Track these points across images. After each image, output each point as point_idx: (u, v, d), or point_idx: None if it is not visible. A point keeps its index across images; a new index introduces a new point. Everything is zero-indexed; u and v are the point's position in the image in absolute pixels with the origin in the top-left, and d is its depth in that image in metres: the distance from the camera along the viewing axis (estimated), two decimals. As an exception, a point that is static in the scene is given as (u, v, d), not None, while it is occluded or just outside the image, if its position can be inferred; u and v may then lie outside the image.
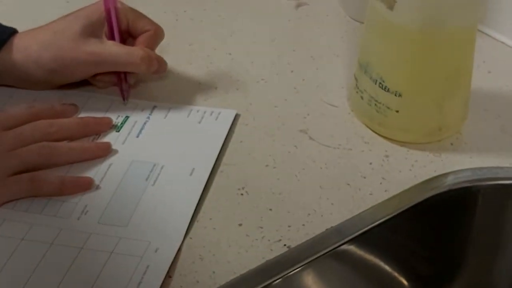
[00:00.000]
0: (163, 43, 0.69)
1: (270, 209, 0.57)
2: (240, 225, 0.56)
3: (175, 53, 0.73)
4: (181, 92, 0.69)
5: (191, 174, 0.59)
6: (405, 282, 0.62)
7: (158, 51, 0.68)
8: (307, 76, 0.71)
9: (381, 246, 0.58)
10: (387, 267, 0.60)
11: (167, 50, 0.73)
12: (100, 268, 0.51)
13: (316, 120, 0.66)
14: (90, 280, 0.50)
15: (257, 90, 0.69)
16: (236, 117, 0.66)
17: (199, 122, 0.65)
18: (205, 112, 0.66)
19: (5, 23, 0.65)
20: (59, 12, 0.69)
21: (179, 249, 0.53)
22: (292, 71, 0.72)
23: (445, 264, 0.62)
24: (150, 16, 0.69)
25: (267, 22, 0.79)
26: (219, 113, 0.65)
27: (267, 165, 0.61)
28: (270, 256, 0.53)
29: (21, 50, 0.62)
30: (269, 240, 0.54)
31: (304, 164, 0.61)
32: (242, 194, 0.58)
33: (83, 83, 0.67)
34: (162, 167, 0.60)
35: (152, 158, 0.61)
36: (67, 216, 0.55)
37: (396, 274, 0.61)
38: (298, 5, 0.82)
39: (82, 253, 0.52)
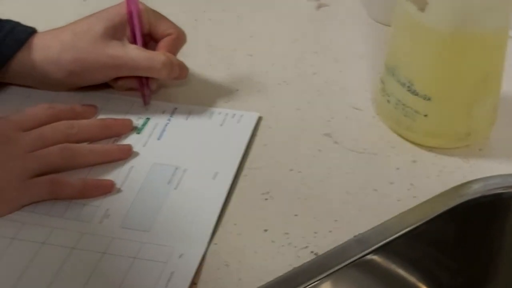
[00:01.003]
0: (182, 43, 0.68)
1: (296, 215, 0.56)
2: (266, 230, 0.54)
3: (195, 54, 0.72)
4: (201, 94, 0.67)
5: (214, 178, 0.58)
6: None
7: (181, 50, 0.67)
8: (330, 78, 0.70)
9: (406, 255, 0.57)
10: (412, 278, 0.58)
11: (186, 51, 0.71)
12: (123, 274, 0.50)
13: (340, 123, 0.65)
14: (113, 286, 0.49)
15: (278, 92, 0.68)
16: (259, 119, 0.64)
17: (221, 125, 0.63)
18: (227, 115, 0.64)
19: (18, 20, 0.64)
20: (75, 11, 0.68)
21: (204, 255, 0.52)
22: (314, 73, 0.71)
23: (473, 276, 0.60)
24: (169, 16, 0.68)
25: (287, 23, 0.78)
26: (241, 116, 0.64)
27: (291, 170, 0.59)
28: (297, 263, 0.52)
29: (40, 50, 0.61)
30: (295, 247, 0.53)
31: (329, 169, 0.60)
32: (266, 199, 0.57)
33: (102, 85, 0.66)
34: (184, 171, 0.58)
35: (174, 161, 0.59)
36: (88, 220, 0.54)
37: (421, 285, 0.60)
38: (319, 6, 0.80)
39: (104, 258, 0.51)
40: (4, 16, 0.64)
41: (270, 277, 0.51)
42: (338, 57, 0.73)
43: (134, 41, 0.64)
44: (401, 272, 0.57)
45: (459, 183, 0.59)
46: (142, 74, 0.63)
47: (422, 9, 0.56)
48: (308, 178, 0.59)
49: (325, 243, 0.53)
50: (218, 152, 0.60)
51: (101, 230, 0.53)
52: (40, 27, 0.64)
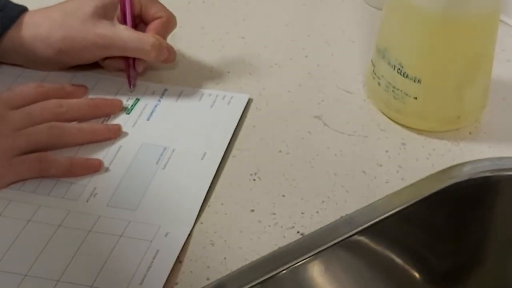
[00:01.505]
0: (175, 25, 0.67)
1: (283, 196, 0.55)
2: (252, 211, 0.54)
3: (187, 37, 0.72)
4: (192, 76, 0.67)
5: (202, 158, 0.58)
6: (418, 276, 0.60)
7: (170, 34, 0.66)
8: (322, 61, 0.70)
9: (395, 237, 0.57)
10: (399, 260, 0.58)
11: (179, 34, 0.71)
12: (109, 252, 0.50)
13: (330, 106, 0.64)
14: (98, 263, 0.49)
15: (270, 75, 0.68)
16: (249, 101, 0.64)
17: (211, 106, 0.63)
18: (217, 96, 0.64)
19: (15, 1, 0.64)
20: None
21: (190, 234, 0.52)
22: (306, 56, 0.70)
23: (461, 258, 0.60)
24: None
25: (281, 6, 0.78)
26: (231, 98, 0.64)
27: (280, 151, 0.59)
28: (283, 243, 0.52)
29: (30, 28, 0.61)
30: (282, 227, 0.53)
31: (318, 151, 0.60)
32: (254, 180, 0.57)
33: (93, 65, 0.66)
34: (173, 151, 0.58)
35: (163, 142, 0.59)
36: (75, 198, 0.54)
37: (409, 267, 0.60)
38: (313, -10, 0.80)
39: (90, 236, 0.51)
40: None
41: (255, 257, 0.51)
42: (331, 41, 0.73)
43: (124, 22, 0.63)
44: (389, 253, 0.57)
45: (448, 166, 0.59)
46: (131, 55, 0.63)
47: (412, -10, 0.56)
48: (297, 159, 0.59)
49: (312, 224, 0.53)
50: (207, 133, 0.60)
51: (88, 208, 0.53)
52: (32, 7, 0.64)
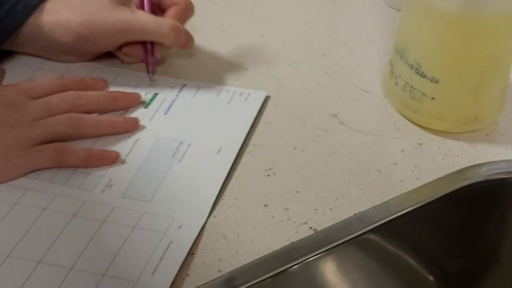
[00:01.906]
0: (195, 22, 0.68)
1: (297, 191, 0.56)
2: (266, 206, 0.54)
3: (207, 33, 0.72)
4: (211, 72, 0.67)
5: (218, 153, 0.58)
6: (430, 277, 0.60)
7: (189, 29, 0.67)
8: (340, 61, 0.70)
9: (408, 236, 0.56)
10: (412, 260, 0.58)
11: (199, 30, 0.72)
12: (122, 242, 0.50)
13: (347, 105, 0.64)
14: (111, 253, 0.49)
15: (288, 72, 0.68)
16: (266, 98, 0.64)
17: (229, 102, 0.63)
18: (234, 93, 0.64)
19: None
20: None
21: (203, 227, 0.52)
22: (324, 55, 0.70)
23: (475, 260, 0.60)
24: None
25: (301, 5, 0.78)
26: (249, 94, 0.64)
27: (295, 148, 0.60)
28: (295, 238, 0.52)
29: (51, 13, 0.61)
30: (294, 222, 0.53)
31: (334, 148, 0.60)
32: (269, 175, 0.57)
33: (112, 59, 0.66)
34: (189, 145, 0.59)
35: (179, 136, 0.60)
36: (91, 188, 0.54)
37: (421, 268, 0.59)
38: (334, -9, 0.80)
39: (104, 226, 0.51)
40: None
41: (267, 251, 0.51)
42: (350, 41, 0.73)
43: (142, 8, 0.64)
44: (402, 253, 0.57)
45: (464, 167, 0.58)
46: (149, 38, 0.63)
47: (431, -10, 0.56)
48: (312, 156, 0.59)
49: (325, 220, 0.53)
50: (223, 128, 0.61)
51: (103, 199, 0.54)
52: None
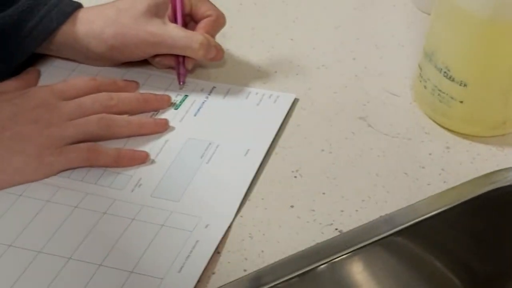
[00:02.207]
0: (226, 26, 0.68)
1: (323, 193, 0.56)
2: (292, 206, 0.55)
3: (238, 37, 0.73)
4: (240, 75, 0.68)
5: (245, 155, 0.59)
6: (457, 280, 0.60)
7: (220, 34, 0.68)
8: (370, 64, 0.70)
9: (435, 239, 0.56)
10: (439, 263, 0.58)
11: (230, 33, 0.73)
12: (149, 240, 0.51)
13: (376, 108, 0.65)
14: (139, 251, 0.51)
15: (317, 75, 0.68)
16: (295, 101, 0.65)
17: (257, 104, 0.64)
18: (263, 95, 0.65)
19: None
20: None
21: (230, 227, 0.53)
22: (354, 59, 0.71)
23: (503, 264, 0.60)
24: (215, 0, 0.69)
25: (332, 9, 0.78)
26: (277, 97, 0.65)
27: (322, 150, 0.60)
28: (321, 239, 0.52)
29: (84, 23, 0.63)
30: (320, 223, 0.53)
31: (361, 151, 0.60)
32: (295, 177, 0.57)
33: (144, 62, 0.68)
34: (217, 146, 0.60)
35: (208, 137, 0.60)
36: (121, 187, 0.56)
37: (448, 271, 0.59)
38: (365, -5, 0.81)
39: (133, 224, 0.53)
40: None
41: (293, 251, 0.51)
42: (380, 44, 0.73)
43: (174, 20, 0.65)
44: (428, 255, 0.57)
45: (492, 171, 0.58)
46: (180, 53, 0.64)
47: (460, -7, 0.56)
48: (339, 158, 0.59)
49: (351, 222, 0.54)
50: (251, 130, 0.61)
51: (132, 197, 0.55)
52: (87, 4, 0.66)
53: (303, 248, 0.51)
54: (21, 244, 0.51)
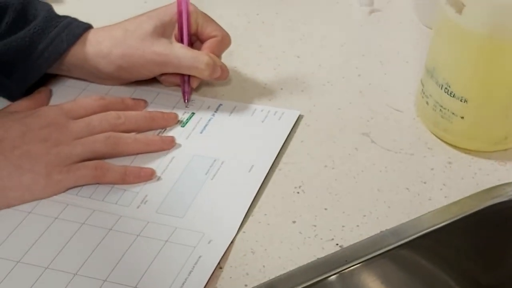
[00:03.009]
0: (233, 44, 0.70)
1: (325, 209, 0.57)
2: (294, 222, 0.56)
3: (245, 54, 0.74)
4: (247, 92, 0.70)
5: (249, 171, 0.60)
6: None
7: (228, 52, 0.69)
8: (374, 80, 0.71)
9: (436, 253, 0.57)
10: (442, 275, 0.59)
11: (237, 51, 0.74)
12: (153, 256, 0.53)
13: (379, 124, 0.66)
14: (143, 266, 0.52)
15: (322, 92, 0.69)
16: (299, 117, 0.66)
17: (262, 121, 0.65)
18: (268, 112, 0.66)
19: (81, 19, 0.68)
20: (136, 12, 0.71)
21: (232, 242, 0.54)
22: (359, 75, 0.72)
23: (505, 276, 0.60)
24: (223, 18, 0.71)
25: (338, 26, 0.79)
26: (282, 113, 0.66)
27: (325, 166, 0.61)
28: (322, 254, 0.53)
29: (93, 44, 0.65)
30: (321, 239, 0.54)
31: (364, 167, 0.61)
32: (298, 193, 0.58)
33: (153, 80, 0.69)
34: (222, 163, 0.61)
35: (213, 154, 0.62)
36: (127, 204, 0.57)
37: (451, 283, 0.60)
38: (371, 12, 0.82)
39: (138, 240, 0.54)
40: (70, 14, 0.68)
41: (293, 266, 0.52)
42: (385, 61, 0.74)
43: (181, 40, 0.67)
44: (429, 269, 0.58)
45: (493, 185, 0.59)
46: (186, 72, 0.66)
47: (459, 11, 0.57)
48: (341, 174, 0.60)
49: (352, 237, 0.55)
50: (256, 146, 0.63)
51: (138, 214, 0.56)
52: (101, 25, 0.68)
53: (304, 263, 0.52)
54: (29, 260, 0.52)
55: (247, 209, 0.56)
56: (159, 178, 0.59)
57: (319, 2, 0.83)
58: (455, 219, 0.56)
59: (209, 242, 0.54)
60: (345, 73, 0.72)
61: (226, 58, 0.73)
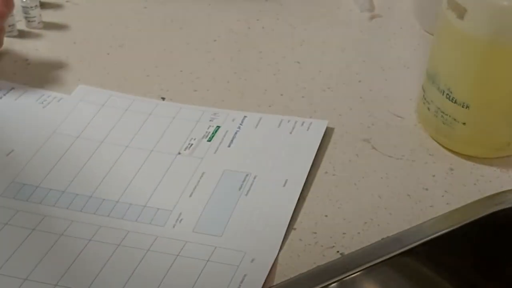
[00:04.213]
0: (233, 49, 0.69)
1: (326, 216, 0.56)
2: (294, 229, 0.55)
3: (244, 60, 0.74)
4: (245, 97, 0.69)
5: (284, 185, 0.58)
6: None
7: (228, 57, 0.68)
8: (375, 86, 0.71)
9: (439, 260, 0.56)
10: (445, 283, 0.58)
11: (237, 57, 0.74)
12: (196, 276, 0.51)
13: (380, 130, 0.65)
14: (187, 286, 0.50)
15: (322, 98, 0.69)
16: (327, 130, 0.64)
17: (290, 133, 0.64)
18: (296, 122, 0.65)
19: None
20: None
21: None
22: (359, 81, 0.71)
23: (508, 283, 0.59)
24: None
25: (339, 32, 0.79)
26: (310, 123, 0.65)
27: (326, 172, 0.60)
28: (322, 261, 0.52)
29: None
30: (322, 246, 0.54)
31: (364, 173, 0.60)
32: (298, 200, 0.58)
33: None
34: (255, 177, 0.59)
35: (245, 168, 0.60)
36: (162, 224, 0.56)
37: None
38: (372, 17, 0.81)
39: (178, 260, 0.52)
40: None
41: (293, 273, 0.52)
42: (386, 66, 0.73)
43: None
44: (431, 277, 0.57)
45: (496, 192, 0.58)
46: None
47: (461, 16, 0.57)
48: (342, 181, 0.60)
49: (352, 244, 0.54)
50: (287, 159, 0.61)
51: (174, 234, 0.55)
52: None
53: (304, 271, 0.52)
54: (66, 283, 0.51)
55: (287, 225, 0.55)
56: (191, 195, 0.58)
57: (320, 7, 0.83)
58: (457, 226, 0.55)
59: (252, 261, 0.52)
60: (346, 79, 0.72)
61: (226, 63, 0.73)
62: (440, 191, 0.58)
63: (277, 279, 0.51)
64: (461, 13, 0.56)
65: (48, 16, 0.78)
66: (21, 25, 0.76)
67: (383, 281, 0.54)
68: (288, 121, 0.65)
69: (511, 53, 0.56)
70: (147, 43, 0.76)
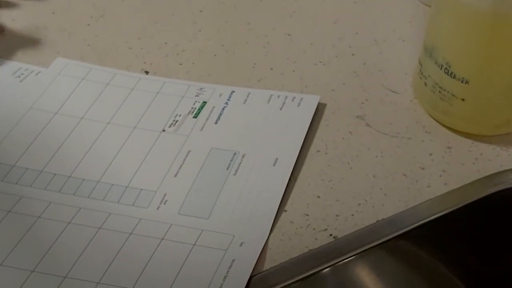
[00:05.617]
0: (220, 20, 0.66)
1: (318, 197, 0.54)
2: (285, 211, 0.53)
3: (233, 32, 0.71)
4: (233, 71, 0.66)
5: (274, 164, 0.55)
6: (461, 284, 0.57)
7: (215, 28, 0.66)
8: (369, 60, 0.67)
9: (435, 243, 0.54)
10: (440, 267, 0.56)
11: (224, 28, 0.70)
12: (182, 260, 0.49)
13: (374, 106, 0.62)
14: (173, 271, 0.48)
15: (313, 72, 0.66)
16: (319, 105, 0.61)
17: (281, 109, 0.61)
18: (286, 98, 0.62)
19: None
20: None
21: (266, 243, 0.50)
22: (353, 55, 0.68)
23: (508, 266, 0.57)
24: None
25: (331, 3, 0.75)
26: (301, 99, 0.61)
27: (318, 151, 0.58)
28: (315, 245, 0.50)
29: None
30: (314, 229, 0.51)
31: (358, 152, 0.58)
32: (289, 180, 0.55)
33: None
34: (243, 156, 0.56)
35: (233, 146, 0.57)
36: (145, 205, 0.53)
37: (452, 275, 0.57)
38: (365, -13, 0.78)
39: (163, 244, 0.50)
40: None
41: (284, 258, 0.49)
42: (380, 39, 0.70)
43: None
44: (429, 259, 0.55)
45: (495, 171, 0.56)
46: None
47: (461, -14, 0.54)
48: (335, 160, 0.57)
49: (346, 227, 0.51)
50: (277, 137, 0.58)
51: (159, 216, 0.52)
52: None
53: (296, 255, 0.49)
54: (44, 269, 0.48)
55: (277, 207, 0.52)
56: (176, 175, 0.55)
57: (311, -23, 0.79)
58: (455, 207, 0.53)
59: (240, 245, 0.49)
60: (338, 52, 0.69)
61: (213, 35, 0.69)
62: (437, 171, 0.56)
63: (268, 264, 0.49)
64: (461, -18, 0.53)
65: (26, -16, 0.74)
66: (-4, -6, 0.72)
67: (378, 265, 0.52)
68: (278, 96, 0.62)
69: (513, 25, 0.53)
70: (130, 14, 0.73)
